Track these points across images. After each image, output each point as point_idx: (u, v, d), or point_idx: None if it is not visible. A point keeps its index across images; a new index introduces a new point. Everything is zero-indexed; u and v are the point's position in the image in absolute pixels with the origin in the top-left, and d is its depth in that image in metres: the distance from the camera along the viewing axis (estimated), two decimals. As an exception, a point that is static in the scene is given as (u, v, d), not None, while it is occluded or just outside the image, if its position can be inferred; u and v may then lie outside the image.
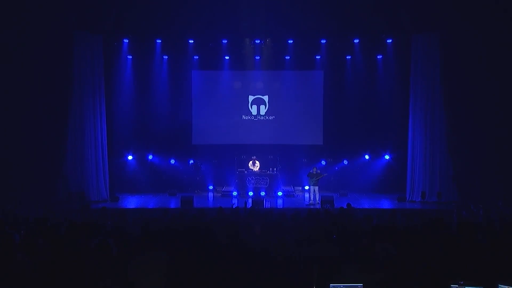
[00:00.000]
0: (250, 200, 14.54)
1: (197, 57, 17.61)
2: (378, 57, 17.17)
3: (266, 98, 18.14)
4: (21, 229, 7.08)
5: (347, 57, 17.49)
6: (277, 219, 8.52)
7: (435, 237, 6.01)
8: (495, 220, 8.91)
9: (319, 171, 15.11)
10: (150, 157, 17.49)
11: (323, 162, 17.66)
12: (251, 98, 18.16)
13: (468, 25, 13.97)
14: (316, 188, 14.86)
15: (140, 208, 14.15)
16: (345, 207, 11.08)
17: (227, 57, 17.62)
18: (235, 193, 16.31)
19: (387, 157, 17.21)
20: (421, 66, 15.28)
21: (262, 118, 18.19)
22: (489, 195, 13.89)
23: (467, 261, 4.79)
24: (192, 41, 16.81)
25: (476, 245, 5.52)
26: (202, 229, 6.65)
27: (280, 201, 15.53)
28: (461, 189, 14.91)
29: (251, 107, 18.17)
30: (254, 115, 18.19)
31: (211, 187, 17.33)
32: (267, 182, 16.55)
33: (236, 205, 12.14)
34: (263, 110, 18.19)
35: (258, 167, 17.20)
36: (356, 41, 16.76)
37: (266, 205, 14.47)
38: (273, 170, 17.00)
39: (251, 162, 17.27)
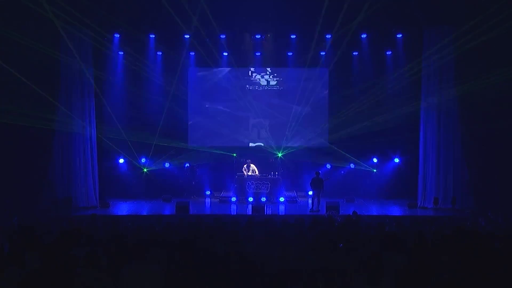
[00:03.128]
0: (250, 207, 14.54)
1: (193, 54, 17.64)
2: (387, 53, 17.20)
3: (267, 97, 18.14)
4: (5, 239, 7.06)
5: (353, 53, 17.52)
6: (279, 227, 8.50)
7: (450, 246, 6.00)
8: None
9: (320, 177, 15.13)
10: (143, 160, 17.49)
11: (328, 166, 17.67)
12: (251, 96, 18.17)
13: (484, 17, 13.93)
14: (320, 193, 14.86)
15: (132, 215, 14.13)
16: (351, 214, 11.05)
17: (225, 54, 17.63)
18: (234, 199, 16.30)
19: (396, 160, 17.22)
20: (434, 62, 15.24)
21: (263, 117, 18.17)
22: (508, 202, 13.83)
23: (485, 273, 4.77)
24: (188, 36, 16.77)
25: (495, 256, 5.49)
26: (199, 238, 6.65)
27: (282, 208, 15.51)
28: (477, 195, 14.87)
29: (251, 107, 18.16)
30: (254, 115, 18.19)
31: (208, 193, 17.34)
32: (268, 187, 16.51)
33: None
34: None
35: (255, 171, 16.94)
36: (364, 36, 16.79)
37: (267, 211, 14.45)
38: (274, 174, 16.97)
39: (245, 166, 16.95)
